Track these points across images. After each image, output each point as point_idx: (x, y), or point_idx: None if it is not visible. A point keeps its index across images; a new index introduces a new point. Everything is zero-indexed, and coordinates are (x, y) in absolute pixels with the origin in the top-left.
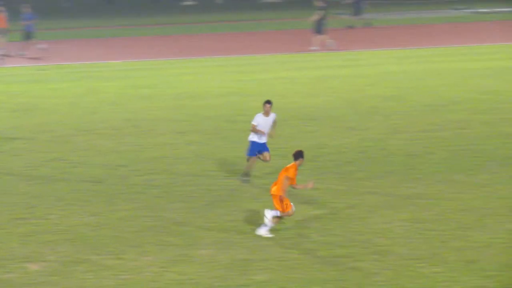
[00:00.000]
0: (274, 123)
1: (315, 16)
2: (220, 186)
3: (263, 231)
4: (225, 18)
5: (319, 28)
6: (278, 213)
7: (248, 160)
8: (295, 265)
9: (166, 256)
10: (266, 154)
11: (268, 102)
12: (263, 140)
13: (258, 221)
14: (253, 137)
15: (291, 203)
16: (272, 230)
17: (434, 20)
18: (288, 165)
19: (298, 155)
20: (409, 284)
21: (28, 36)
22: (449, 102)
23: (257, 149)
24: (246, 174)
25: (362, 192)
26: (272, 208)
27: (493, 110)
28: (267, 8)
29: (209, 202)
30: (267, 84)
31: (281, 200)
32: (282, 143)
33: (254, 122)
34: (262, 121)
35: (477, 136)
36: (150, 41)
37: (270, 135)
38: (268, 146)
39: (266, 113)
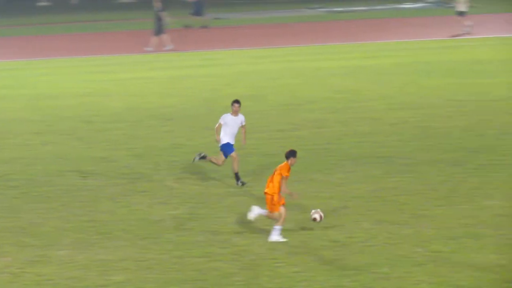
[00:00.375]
0: (243, 126)
1: (159, 17)
2: (77, 186)
3: (275, 237)
4: (80, 18)
5: (157, 30)
6: (265, 213)
7: (222, 155)
8: (152, 265)
9: (25, 257)
10: (233, 153)
11: (237, 101)
12: (227, 141)
13: (114, 221)
14: (225, 139)
15: (283, 207)
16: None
17: (289, 20)
18: (281, 165)
19: (290, 154)
20: (268, 284)
21: None
22: (305, 101)
23: (228, 148)
24: (204, 157)
25: (219, 192)
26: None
27: (348, 109)
28: (122, 9)
29: (66, 203)
30: (123, 84)
31: (272, 200)
32: (138, 144)
33: (221, 121)
34: (231, 121)
35: (333, 135)
36: (5, 42)
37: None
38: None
39: (235, 113)
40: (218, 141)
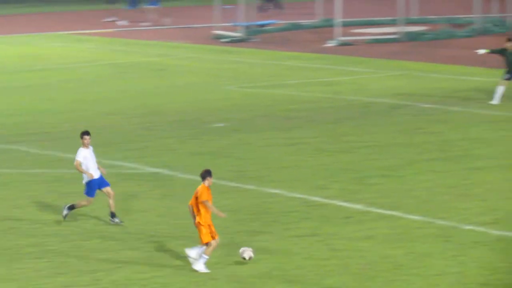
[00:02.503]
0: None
1: None
2: None
3: (200, 266)
4: None
5: None
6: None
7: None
8: None
9: None
10: (108, 189)
11: (87, 133)
12: (98, 174)
13: None
14: (86, 177)
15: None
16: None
17: None
18: (198, 188)
19: (206, 174)
20: None
21: None
22: None
23: (97, 187)
24: (72, 207)
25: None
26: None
27: None
28: None
29: None
30: None
31: (209, 227)
32: None
33: (79, 158)
34: (89, 155)
35: None
36: None
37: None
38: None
39: (87, 145)
40: (90, 175)
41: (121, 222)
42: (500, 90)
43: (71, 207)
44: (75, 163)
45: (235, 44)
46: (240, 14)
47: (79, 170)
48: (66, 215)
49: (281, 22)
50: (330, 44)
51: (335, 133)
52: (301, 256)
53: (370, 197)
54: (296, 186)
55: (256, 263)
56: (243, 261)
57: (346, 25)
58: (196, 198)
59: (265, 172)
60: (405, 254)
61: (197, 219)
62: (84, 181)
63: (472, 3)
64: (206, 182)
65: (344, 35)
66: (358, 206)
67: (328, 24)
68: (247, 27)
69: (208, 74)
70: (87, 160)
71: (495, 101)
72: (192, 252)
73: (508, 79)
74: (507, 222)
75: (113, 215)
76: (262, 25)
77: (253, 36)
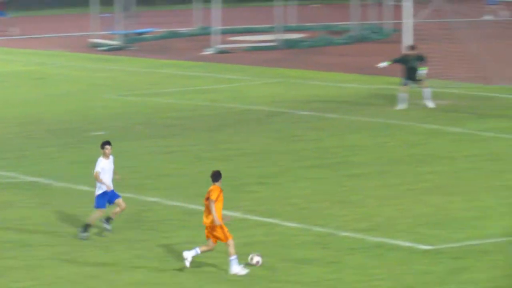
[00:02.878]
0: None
1: None
2: None
3: (236, 269)
4: None
5: None
6: (199, 250)
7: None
8: None
9: None
10: (120, 201)
11: (109, 143)
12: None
13: None
14: (101, 188)
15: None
16: None
17: None
18: (211, 188)
19: (218, 175)
20: None
21: None
22: None
23: (107, 200)
24: (88, 226)
25: None
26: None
27: None
28: None
29: None
30: None
31: (222, 228)
32: None
33: (98, 169)
34: (107, 166)
35: None
36: None
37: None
38: None
39: (108, 156)
40: (108, 188)
41: (110, 229)
42: (402, 96)
43: (88, 227)
44: (94, 173)
45: (113, 52)
46: (118, 23)
47: (97, 180)
48: (86, 237)
49: (159, 30)
50: (208, 52)
51: (213, 141)
52: (178, 265)
53: (247, 205)
54: (175, 194)
55: (133, 271)
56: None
57: (224, 32)
58: (207, 198)
59: (144, 180)
60: (282, 261)
61: (209, 219)
62: (96, 193)
63: (349, 10)
64: (218, 183)
65: (222, 43)
66: (236, 214)
67: (206, 32)
68: (125, 35)
69: (87, 83)
70: (104, 172)
71: (401, 106)
72: (236, 269)
73: (406, 84)
74: (384, 228)
75: (108, 220)
76: (140, 33)
77: (131, 44)
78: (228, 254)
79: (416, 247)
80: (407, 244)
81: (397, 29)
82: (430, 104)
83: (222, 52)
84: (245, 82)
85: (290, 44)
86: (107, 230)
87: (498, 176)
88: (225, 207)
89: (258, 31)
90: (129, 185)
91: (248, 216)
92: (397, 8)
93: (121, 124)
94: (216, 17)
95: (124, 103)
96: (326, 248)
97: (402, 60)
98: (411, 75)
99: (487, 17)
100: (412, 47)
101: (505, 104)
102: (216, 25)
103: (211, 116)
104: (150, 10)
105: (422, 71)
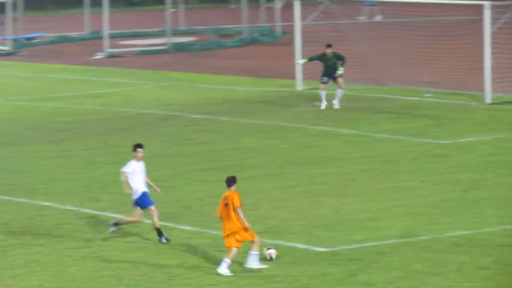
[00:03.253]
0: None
1: None
2: None
3: (223, 269)
4: None
5: None
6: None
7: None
8: None
9: None
10: (152, 207)
11: (141, 146)
12: (143, 189)
13: None
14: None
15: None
16: None
17: None
18: (227, 194)
19: (233, 180)
20: None
21: None
22: None
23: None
24: (117, 224)
25: None
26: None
27: None
28: None
29: None
30: None
31: (246, 230)
32: None
33: (127, 169)
34: (138, 168)
35: None
36: None
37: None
38: None
39: (139, 159)
40: (128, 191)
41: (168, 240)
42: (323, 93)
43: (116, 224)
44: (122, 175)
45: (3, 57)
46: (7, 28)
47: (123, 181)
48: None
49: (49, 35)
50: (99, 56)
51: (105, 145)
52: (74, 268)
53: None
54: (68, 199)
55: (30, 275)
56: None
57: (114, 37)
58: (226, 204)
59: (37, 185)
60: (179, 264)
61: (229, 227)
62: (134, 197)
63: (240, 13)
64: (233, 188)
65: (112, 47)
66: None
67: (96, 36)
68: (15, 40)
69: None
70: (135, 174)
71: (323, 105)
72: (253, 263)
73: (325, 82)
74: (279, 231)
75: (159, 233)
76: (30, 38)
77: (21, 49)
78: (250, 249)
79: (311, 249)
80: (302, 246)
81: (287, 31)
82: (337, 105)
83: (112, 56)
84: (137, 86)
85: (180, 48)
86: (111, 231)
87: (392, 178)
88: (120, 211)
89: (148, 35)
90: (22, 190)
91: (144, 219)
92: (287, 10)
93: (12, 129)
94: (106, 22)
95: (15, 108)
96: (221, 251)
97: (320, 58)
98: (329, 73)
99: (361, 18)
100: (329, 46)
101: (397, 106)
102: (107, 30)
103: (102, 120)
104: (41, 15)
105: (340, 71)
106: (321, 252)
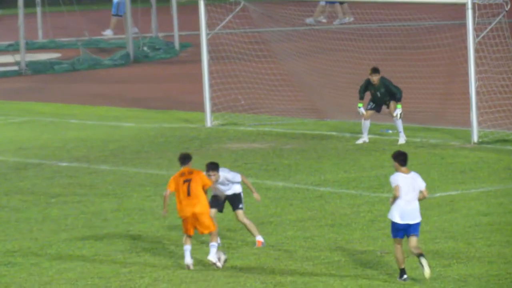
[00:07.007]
0: None
1: None
2: None
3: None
4: None
5: None
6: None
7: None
8: None
9: None
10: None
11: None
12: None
13: None
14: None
15: None
16: None
17: None
18: (187, 171)
19: (190, 157)
20: None
21: None
22: None
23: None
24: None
25: None
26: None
27: None
28: None
29: None
30: None
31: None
32: None
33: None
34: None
35: None
36: None
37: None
38: None
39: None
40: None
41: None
42: (366, 124)
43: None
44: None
45: None
46: None
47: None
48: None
49: None
50: None
51: None
52: None
53: None
54: None
55: None
56: None
57: None
58: (186, 181)
59: None
60: None
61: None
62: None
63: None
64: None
65: None
66: None
67: None
68: None
69: None
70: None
71: (362, 139)
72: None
73: (371, 109)
74: None
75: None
76: None
77: None
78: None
79: None
80: None
81: (189, 44)
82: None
83: None
84: None
85: (39, 68)
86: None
87: None
88: None
89: None
90: None
91: None
92: (188, 15)
93: None
94: None
95: None
96: None
97: (366, 88)
98: (378, 104)
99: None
100: (375, 71)
101: (347, 147)
102: None
103: None
104: None
105: (398, 110)
106: None
